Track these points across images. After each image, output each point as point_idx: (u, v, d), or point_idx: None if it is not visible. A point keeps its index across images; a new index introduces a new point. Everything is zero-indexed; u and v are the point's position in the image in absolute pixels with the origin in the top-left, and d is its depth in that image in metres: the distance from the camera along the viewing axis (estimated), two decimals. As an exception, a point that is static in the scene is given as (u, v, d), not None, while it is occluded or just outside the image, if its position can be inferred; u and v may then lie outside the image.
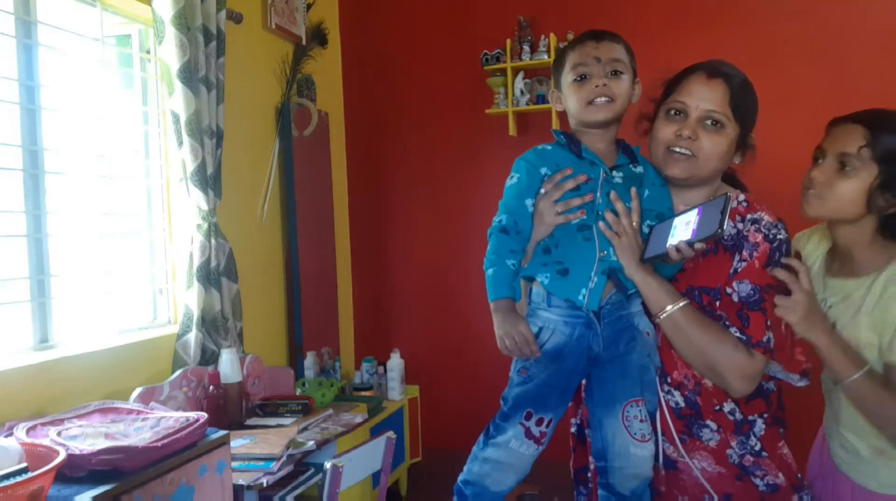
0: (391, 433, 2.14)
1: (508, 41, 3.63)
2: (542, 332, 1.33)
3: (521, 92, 3.63)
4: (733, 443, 1.36)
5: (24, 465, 1.48)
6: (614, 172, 1.35)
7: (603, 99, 1.33)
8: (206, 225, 2.62)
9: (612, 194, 1.32)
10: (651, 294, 1.31)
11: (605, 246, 1.31)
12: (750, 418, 1.36)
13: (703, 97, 1.34)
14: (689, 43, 3.46)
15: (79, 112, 2.39)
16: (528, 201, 1.36)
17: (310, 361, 3.40)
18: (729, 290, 1.32)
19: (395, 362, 3.54)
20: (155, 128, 2.75)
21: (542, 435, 1.34)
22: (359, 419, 2.68)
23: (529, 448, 1.34)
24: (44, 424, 1.72)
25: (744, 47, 3.34)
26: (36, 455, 1.49)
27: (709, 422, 1.36)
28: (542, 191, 1.37)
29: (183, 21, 2.48)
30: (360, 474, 2.03)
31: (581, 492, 1.58)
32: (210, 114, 2.62)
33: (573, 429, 1.59)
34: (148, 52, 2.74)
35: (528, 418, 1.33)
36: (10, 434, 1.67)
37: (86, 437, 1.64)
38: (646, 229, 1.34)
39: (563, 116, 4.05)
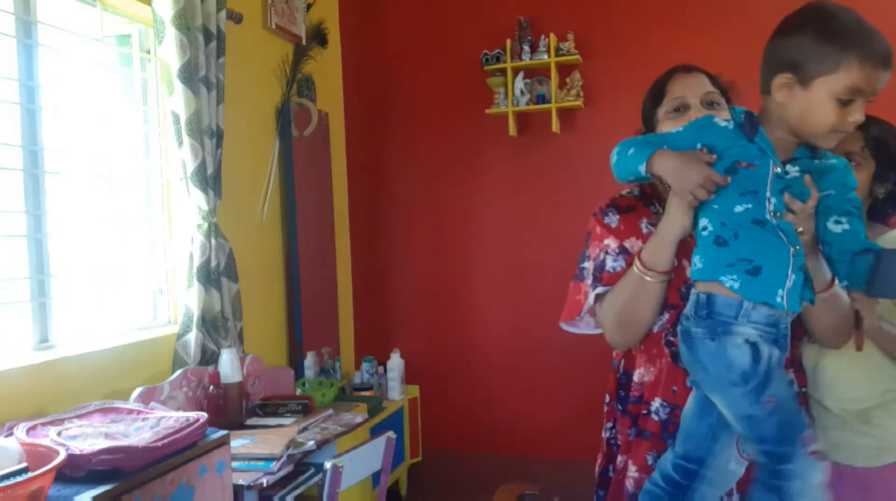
0: (391, 433, 2.14)
1: (508, 41, 3.63)
2: (758, 348, 1.16)
3: (521, 92, 3.63)
4: None
5: (24, 465, 1.48)
6: (789, 166, 1.18)
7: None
8: (206, 225, 2.62)
9: (787, 197, 1.16)
10: (825, 272, 1.24)
11: (795, 241, 1.17)
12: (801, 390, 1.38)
13: (695, 85, 1.40)
14: (688, 42, 3.47)
15: (79, 112, 2.39)
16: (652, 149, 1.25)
17: (310, 361, 3.40)
18: None
19: (395, 362, 3.54)
20: (155, 128, 2.75)
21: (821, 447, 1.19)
22: (359, 419, 2.68)
23: (826, 470, 1.16)
24: (44, 424, 1.72)
25: (743, 46, 3.34)
26: (36, 455, 1.49)
27: None
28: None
29: (183, 21, 2.48)
30: (360, 474, 2.04)
31: (599, 495, 1.56)
32: (210, 114, 2.63)
33: (606, 434, 1.54)
34: (148, 52, 2.74)
35: (810, 441, 1.16)
36: (10, 434, 1.67)
37: (86, 437, 1.64)
38: (834, 227, 1.20)
39: (562, 115, 4.07)
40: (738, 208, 1.17)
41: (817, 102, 1.10)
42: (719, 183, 1.17)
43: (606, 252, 1.42)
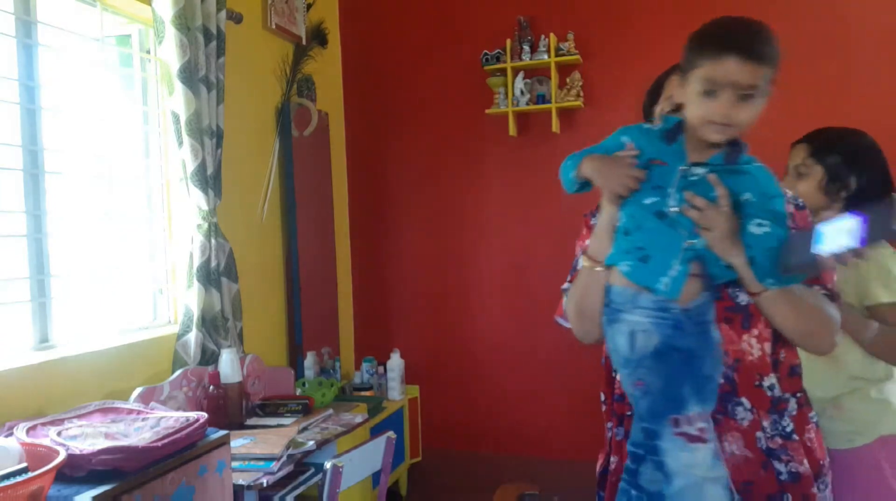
0: (391, 433, 2.14)
1: (508, 41, 3.63)
2: (635, 336, 1.26)
3: (521, 92, 3.63)
4: (766, 423, 1.34)
5: (24, 465, 1.48)
6: (698, 168, 1.26)
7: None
8: (206, 225, 2.62)
9: (687, 194, 1.24)
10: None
11: (692, 236, 1.24)
12: (786, 395, 1.37)
13: None
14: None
15: (79, 112, 2.39)
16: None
17: (310, 361, 3.40)
18: None
19: (395, 362, 3.54)
20: (155, 128, 2.75)
21: (702, 431, 1.23)
22: (359, 419, 2.68)
23: (701, 452, 1.21)
24: (44, 424, 1.72)
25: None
26: (36, 455, 1.49)
27: (743, 400, 1.35)
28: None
29: (183, 21, 2.48)
30: (360, 474, 2.04)
31: (600, 495, 1.56)
32: (210, 114, 2.63)
33: (610, 435, 1.54)
34: (148, 52, 2.74)
35: (682, 423, 1.22)
36: (10, 434, 1.68)
37: (86, 437, 1.64)
38: (755, 230, 1.25)
39: (562, 115, 4.07)
40: (647, 202, 1.27)
41: (689, 96, 1.22)
42: (640, 179, 1.27)
43: (584, 251, 1.47)
